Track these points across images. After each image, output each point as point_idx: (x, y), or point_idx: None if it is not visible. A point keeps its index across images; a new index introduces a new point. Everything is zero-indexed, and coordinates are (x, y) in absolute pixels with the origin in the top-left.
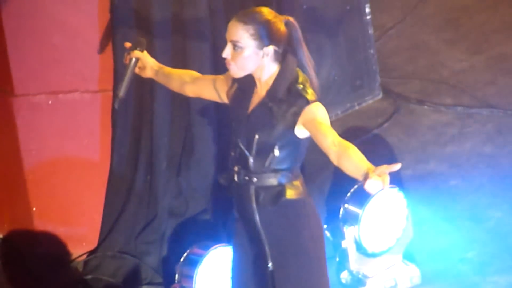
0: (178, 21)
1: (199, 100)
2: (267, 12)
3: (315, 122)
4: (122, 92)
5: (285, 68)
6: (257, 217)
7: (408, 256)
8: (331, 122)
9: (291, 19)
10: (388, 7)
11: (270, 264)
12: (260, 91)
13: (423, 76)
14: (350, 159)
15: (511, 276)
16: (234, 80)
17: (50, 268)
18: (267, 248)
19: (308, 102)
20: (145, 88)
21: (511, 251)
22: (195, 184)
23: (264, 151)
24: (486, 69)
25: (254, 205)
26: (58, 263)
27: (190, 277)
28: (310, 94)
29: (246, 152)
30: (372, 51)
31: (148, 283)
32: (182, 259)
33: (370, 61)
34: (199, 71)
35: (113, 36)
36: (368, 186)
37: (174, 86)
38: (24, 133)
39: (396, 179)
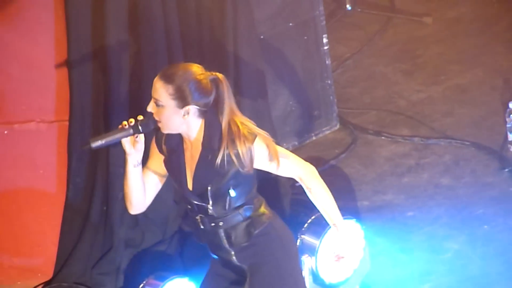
0: (135, 53)
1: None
2: (192, 70)
3: (268, 163)
4: (94, 145)
5: (209, 119)
6: (233, 257)
7: None
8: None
9: (219, 75)
10: (345, 38)
11: None
12: (192, 149)
13: (380, 106)
14: (320, 201)
15: None
16: (161, 146)
17: None
18: (248, 276)
19: (250, 142)
20: (102, 115)
21: (468, 283)
22: (152, 215)
23: (220, 197)
24: (443, 100)
25: (228, 247)
26: None
27: None
28: (247, 135)
29: (203, 204)
30: (329, 81)
31: None
32: None
33: (328, 91)
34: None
35: (69, 64)
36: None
37: (140, 192)
38: None
39: (353, 210)
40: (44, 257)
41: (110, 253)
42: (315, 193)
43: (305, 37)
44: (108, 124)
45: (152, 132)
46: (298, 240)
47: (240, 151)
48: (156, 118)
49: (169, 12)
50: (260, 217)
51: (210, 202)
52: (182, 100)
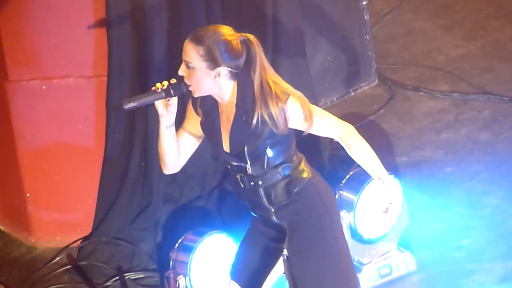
0: (173, 6)
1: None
2: (222, 31)
3: (302, 122)
4: (127, 106)
5: (241, 81)
6: (273, 216)
7: (403, 243)
8: (327, 108)
9: (250, 36)
10: None
11: (285, 252)
12: (227, 111)
13: (419, 62)
14: (362, 157)
15: (506, 263)
16: (197, 109)
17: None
18: (287, 232)
19: (283, 102)
20: (140, 72)
21: (507, 238)
22: (190, 170)
23: (257, 157)
24: (483, 56)
25: (268, 205)
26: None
27: (184, 264)
28: (281, 94)
29: (241, 164)
30: (368, 37)
31: (143, 270)
32: (176, 245)
33: (366, 47)
34: None
35: (107, 21)
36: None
37: (174, 152)
38: (18, 119)
39: (391, 166)
40: (83, 212)
41: (149, 209)
42: (356, 150)
43: None
44: (146, 81)
45: (189, 94)
46: (336, 196)
47: (273, 112)
48: (187, 82)
49: None
50: (299, 174)
51: (248, 162)
52: (212, 61)
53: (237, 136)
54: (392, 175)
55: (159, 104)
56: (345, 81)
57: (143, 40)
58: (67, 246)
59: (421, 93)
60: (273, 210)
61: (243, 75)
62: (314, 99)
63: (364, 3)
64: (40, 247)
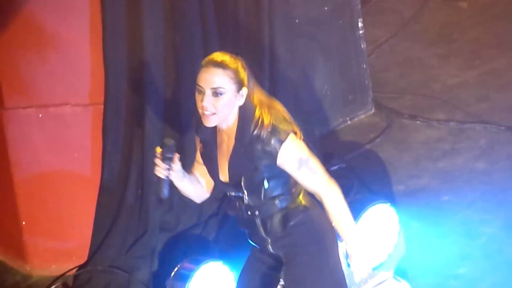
0: (170, 35)
1: (190, 113)
2: (228, 57)
3: (294, 169)
4: (165, 194)
5: (243, 110)
6: (269, 245)
7: (400, 272)
8: (323, 137)
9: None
10: (381, 22)
11: (281, 282)
12: (227, 140)
13: (415, 91)
14: (334, 216)
15: None
16: (198, 135)
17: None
18: (283, 263)
19: (281, 141)
20: (136, 101)
21: (503, 267)
22: (187, 198)
23: (254, 189)
24: (479, 85)
25: (265, 235)
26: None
27: None
28: (281, 132)
29: (239, 194)
30: (364, 65)
31: None
32: (172, 274)
33: (363, 75)
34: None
35: (104, 49)
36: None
37: (199, 191)
38: (14, 147)
39: (388, 194)
40: (78, 241)
41: (145, 237)
42: (331, 212)
43: (341, 21)
44: (142, 108)
45: (194, 124)
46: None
47: (270, 148)
48: (211, 110)
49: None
50: (296, 208)
51: (245, 193)
52: (239, 83)
53: (235, 168)
54: (389, 204)
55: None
56: (341, 110)
57: (140, 68)
58: (63, 274)
59: (418, 121)
60: (269, 240)
61: (246, 107)
62: (310, 128)
63: (360, 32)
64: (35, 275)
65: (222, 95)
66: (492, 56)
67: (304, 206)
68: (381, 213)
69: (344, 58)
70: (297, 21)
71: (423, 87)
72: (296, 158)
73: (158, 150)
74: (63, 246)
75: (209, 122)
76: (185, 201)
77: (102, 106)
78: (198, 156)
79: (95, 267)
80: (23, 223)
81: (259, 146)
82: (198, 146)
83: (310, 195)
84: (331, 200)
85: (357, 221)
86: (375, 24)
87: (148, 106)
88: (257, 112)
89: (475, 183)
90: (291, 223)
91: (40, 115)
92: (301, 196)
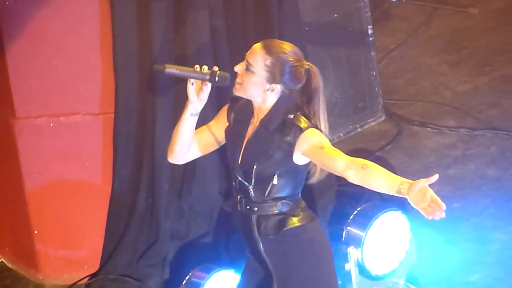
0: (179, 45)
1: (201, 122)
2: (293, 52)
3: (316, 148)
4: (168, 70)
5: (281, 101)
6: (260, 246)
7: (411, 279)
8: (333, 144)
9: (313, 67)
10: (391, 29)
11: None
12: (256, 121)
13: (425, 98)
14: (376, 175)
15: None
16: (231, 114)
17: None
18: (273, 275)
19: (301, 130)
20: (147, 110)
21: None
22: (197, 207)
23: (263, 181)
24: (489, 91)
25: (257, 234)
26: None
27: None
28: (303, 122)
29: (245, 182)
30: (374, 73)
31: None
32: (184, 282)
33: (373, 83)
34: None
35: (114, 58)
36: (414, 199)
37: (187, 143)
38: (25, 156)
39: (399, 202)
40: (90, 250)
41: (156, 245)
42: (372, 167)
43: (350, 29)
44: (153, 117)
45: (224, 99)
46: (344, 232)
47: (289, 137)
48: (239, 80)
49: (214, 8)
50: (295, 217)
51: (252, 183)
52: (274, 76)
53: (251, 150)
54: (400, 211)
55: (191, 90)
56: (351, 117)
57: (150, 77)
58: (75, 283)
59: (428, 128)
60: (260, 242)
61: (287, 97)
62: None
63: (370, 39)
64: (47, 284)
65: (253, 73)
66: (503, 62)
67: (303, 219)
68: (392, 220)
69: (354, 65)
70: (306, 28)
71: (433, 94)
72: (316, 140)
73: (205, 67)
74: (74, 255)
75: (234, 89)
76: (196, 210)
77: (112, 115)
78: (213, 124)
79: (106, 276)
80: (35, 232)
81: (279, 135)
82: (220, 117)
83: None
84: (360, 161)
85: (369, 228)
86: (385, 31)
87: (159, 115)
88: (296, 111)
89: (486, 189)
90: (286, 228)
91: (51, 124)
92: (301, 209)
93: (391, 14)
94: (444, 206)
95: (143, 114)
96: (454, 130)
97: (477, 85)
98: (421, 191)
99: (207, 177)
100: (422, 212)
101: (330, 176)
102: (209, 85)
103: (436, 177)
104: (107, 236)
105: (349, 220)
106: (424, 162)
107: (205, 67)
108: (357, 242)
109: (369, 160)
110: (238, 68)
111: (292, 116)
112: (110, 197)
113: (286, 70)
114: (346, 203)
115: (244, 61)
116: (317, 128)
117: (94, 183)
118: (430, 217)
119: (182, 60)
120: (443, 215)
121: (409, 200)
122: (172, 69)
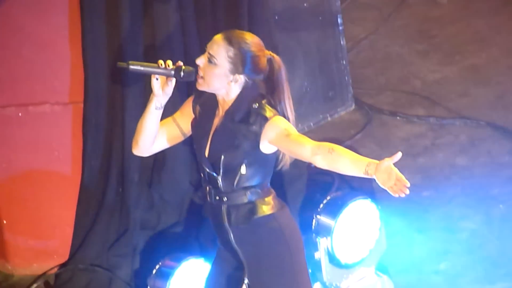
0: (148, 35)
1: (169, 113)
2: (254, 42)
3: (282, 135)
4: (133, 67)
5: (245, 91)
6: (231, 236)
7: (381, 268)
8: (303, 134)
9: (275, 56)
10: (360, 19)
11: (246, 281)
12: (221, 113)
13: (395, 87)
14: (343, 159)
15: (484, 287)
16: (196, 106)
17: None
18: (244, 264)
19: (267, 119)
20: (116, 99)
21: (484, 262)
22: (167, 196)
23: (231, 171)
24: (459, 80)
25: (227, 224)
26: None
27: None
28: (268, 111)
29: (214, 173)
30: (344, 62)
31: None
32: (154, 271)
33: (343, 72)
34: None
35: (83, 47)
36: (381, 179)
37: (152, 135)
38: None
39: (368, 190)
40: (60, 239)
41: (126, 235)
42: (339, 150)
43: (320, 18)
44: (122, 106)
45: (192, 89)
46: (314, 220)
47: (255, 127)
48: (201, 74)
49: None
50: (264, 206)
51: (221, 173)
52: (236, 67)
53: (218, 142)
54: (369, 200)
55: (156, 84)
56: (321, 106)
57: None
58: (44, 273)
59: (398, 118)
60: (231, 232)
61: (251, 87)
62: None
63: (340, 28)
64: (17, 274)
65: (216, 65)
66: (472, 51)
67: (272, 208)
68: (362, 208)
69: (324, 55)
70: (276, 17)
71: (403, 83)
72: (282, 127)
73: (169, 62)
74: (44, 245)
75: (198, 84)
76: (166, 200)
77: (82, 105)
78: (178, 116)
79: (76, 266)
80: (4, 222)
81: (244, 125)
82: (184, 109)
83: (279, 199)
84: (327, 145)
85: (338, 216)
86: (355, 20)
87: (128, 104)
88: (261, 100)
89: (456, 178)
90: (256, 217)
91: (19, 114)
92: (270, 198)
93: (361, 3)
94: (408, 183)
95: (113, 103)
96: (423, 119)
97: (447, 74)
98: (387, 170)
99: (177, 167)
100: (389, 191)
101: (300, 165)
102: (173, 80)
103: (399, 154)
104: (76, 225)
105: (319, 209)
106: (394, 151)
107: (170, 62)
108: (327, 230)
109: None
110: (200, 61)
111: (257, 106)
112: (80, 187)
113: (249, 60)
114: (316, 191)
115: (206, 54)
116: (283, 116)
117: (64, 173)
118: (396, 195)
119: (152, 51)
120: (407, 191)
121: (376, 180)
122: (136, 66)
